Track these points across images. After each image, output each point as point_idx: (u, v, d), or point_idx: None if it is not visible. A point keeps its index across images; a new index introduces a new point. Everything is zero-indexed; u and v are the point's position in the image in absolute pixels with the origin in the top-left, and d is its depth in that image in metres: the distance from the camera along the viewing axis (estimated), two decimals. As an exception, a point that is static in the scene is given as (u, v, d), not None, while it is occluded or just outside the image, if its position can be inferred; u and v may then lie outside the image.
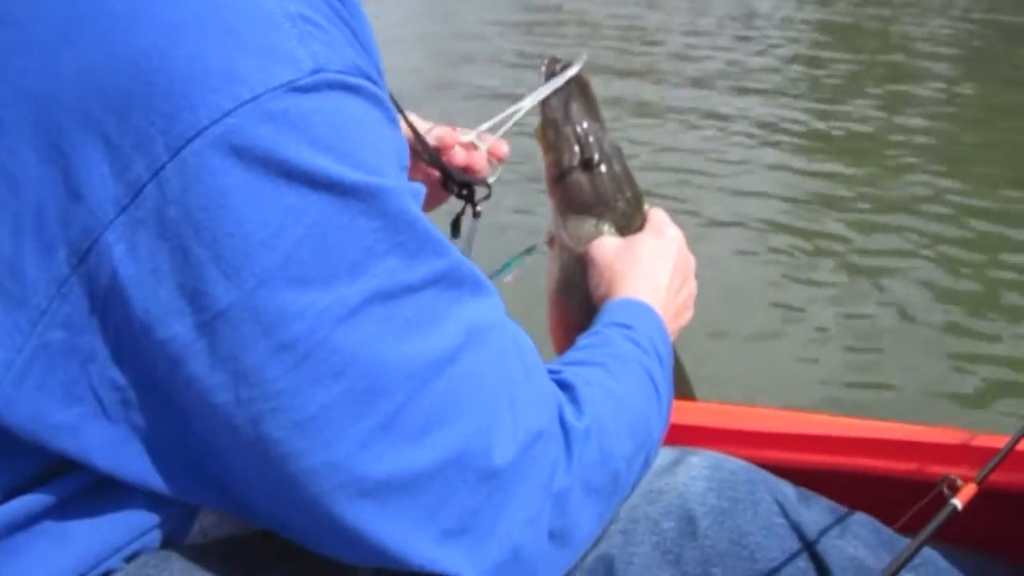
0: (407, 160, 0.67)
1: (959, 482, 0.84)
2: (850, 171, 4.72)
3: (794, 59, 7.21)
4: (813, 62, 7.11)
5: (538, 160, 1.06)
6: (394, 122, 0.66)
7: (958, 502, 0.82)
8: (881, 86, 6.43)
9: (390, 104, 0.66)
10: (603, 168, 1.04)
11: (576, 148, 1.03)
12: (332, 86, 0.60)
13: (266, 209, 0.57)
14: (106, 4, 0.56)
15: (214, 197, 0.56)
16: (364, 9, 0.68)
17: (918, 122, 5.58)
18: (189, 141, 0.56)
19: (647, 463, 0.83)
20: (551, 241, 1.08)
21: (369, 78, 0.63)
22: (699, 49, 7.54)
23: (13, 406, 0.58)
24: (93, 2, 0.56)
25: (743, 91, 6.28)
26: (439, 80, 6.41)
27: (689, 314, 1.02)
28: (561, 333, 1.07)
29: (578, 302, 1.03)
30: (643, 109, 5.77)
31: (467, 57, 7.36)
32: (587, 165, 1.03)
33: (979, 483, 0.85)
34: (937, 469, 0.97)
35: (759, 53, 7.39)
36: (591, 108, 1.05)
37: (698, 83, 6.48)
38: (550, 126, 1.04)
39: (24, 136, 0.56)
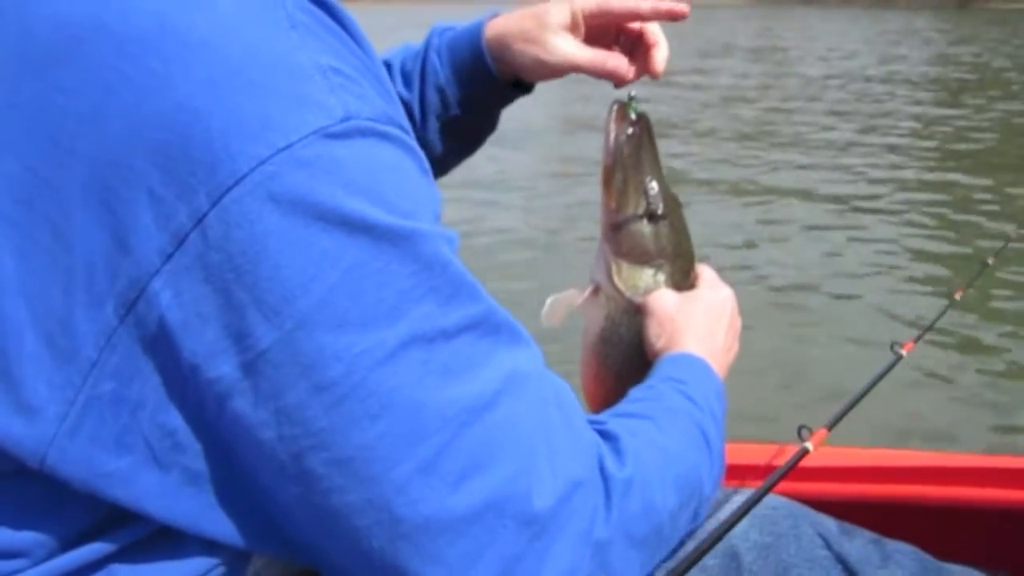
0: (440, 209, 0.68)
1: (811, 427, 1.08)
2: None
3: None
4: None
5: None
6: (427, 172, 0.68)
7: (810, 444, 1.04)
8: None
9: (422, 154, 0.67)
10: (666, 220, 1.02)
11: (643, 198, 1.01)
12: (364, 133, 0.61)
13: (302, 254, 0.59)
14: (145, 64, 0.58)
15: (253, 243, 0.58)
16: None
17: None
18: (229, 189, 0.58)
19: (695, 517, 0.81)
20: (595, 290, 1.05)
21: (400, 127, 0.65)
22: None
23: (67, 457, 0.60)
24: (134, 64, 0.58)
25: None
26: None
27: (726, 373, 1.01)
28: (598, 384, 1.05)
29: (621, 352, 1.01)
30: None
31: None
32: (652, 217, 1.01)
33: (829, 427, 1.08)
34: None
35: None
36: (657, 157, 1.03)
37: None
38: (619, 172, 1.01)
39: (75, 196, 0.58)
